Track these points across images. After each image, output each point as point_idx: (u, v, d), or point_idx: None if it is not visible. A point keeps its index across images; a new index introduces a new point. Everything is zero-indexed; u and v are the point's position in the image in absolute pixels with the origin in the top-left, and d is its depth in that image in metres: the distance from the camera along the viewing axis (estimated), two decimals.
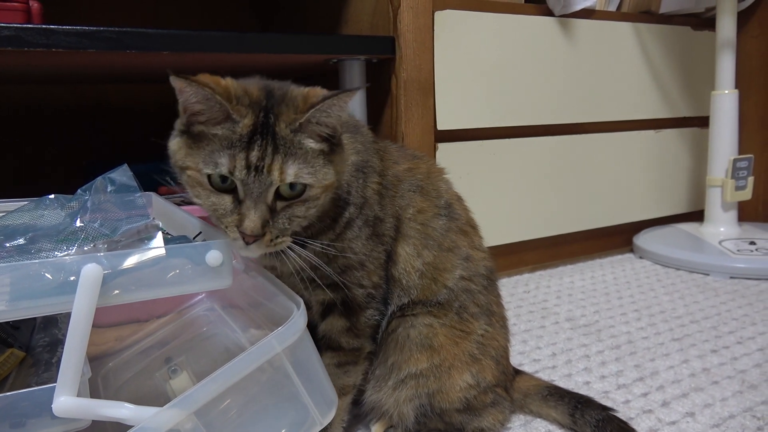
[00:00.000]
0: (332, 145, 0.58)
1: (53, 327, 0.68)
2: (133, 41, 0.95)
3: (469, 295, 0.71)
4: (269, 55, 1.08)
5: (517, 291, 1.34)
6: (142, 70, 1.26)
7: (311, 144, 0.56)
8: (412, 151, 0.78)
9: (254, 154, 0.53)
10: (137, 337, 0.88)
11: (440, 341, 0.68)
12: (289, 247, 0.58)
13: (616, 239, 1.66)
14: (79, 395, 0.47)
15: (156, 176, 0.62)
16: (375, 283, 0.67)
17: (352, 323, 0.67)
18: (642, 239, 1.60)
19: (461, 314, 0.70)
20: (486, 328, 0.71)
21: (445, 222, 0.72)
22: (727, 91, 1.50)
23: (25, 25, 0.88)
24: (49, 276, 0.46)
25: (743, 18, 1.66)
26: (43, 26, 0.89)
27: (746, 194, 1.52)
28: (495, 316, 0.73)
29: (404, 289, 0.69)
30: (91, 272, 0.46)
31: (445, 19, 1.23)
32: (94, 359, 0.82)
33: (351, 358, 0.68)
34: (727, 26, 1.48)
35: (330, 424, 0.66)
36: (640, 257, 1.59)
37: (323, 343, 0.68)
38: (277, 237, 0.56)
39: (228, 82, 0.57)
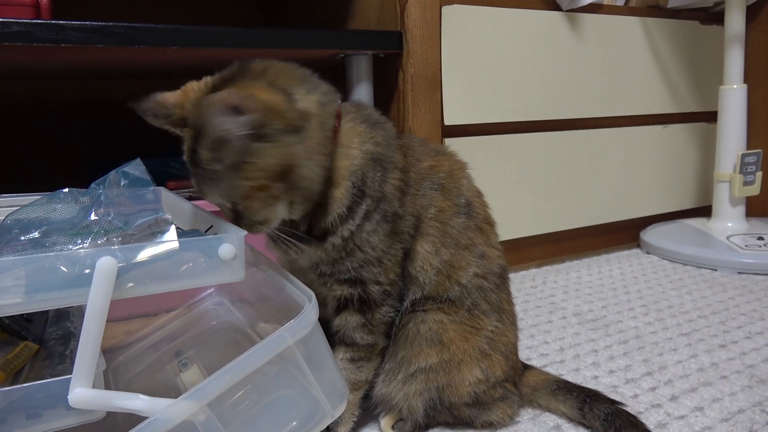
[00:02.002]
0: (261, 135, 0.54)
1: (65, 320, 0.68)
2: (142, 37, 0.95)
3: (482, 292, 0.71)
4: (276, 50, 1.08)
5: (523, 286, 1.34)
6: (149, 66, 1.26)
7: (216, 166, 0.55)
8: (434, 146, 0.76)
9: (193, 182, 0.58)
10: (147, 331, 0.89)
11: (450, 337, 0.69)
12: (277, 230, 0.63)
13: (623, 234, 1.66)
14: (94, 387, 0.48)
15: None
16: (391, 280, 0.67)
17: (366, 319, 0.67)
18: (649, 234, 1.60)
19: (472, 311, 0.70)
20: (496, 325, 0.71)
21: (464, 220, 0.71)
22: (735, 86, 1.49)
23: (34, 21, 0.89)
24: (64, 269, 0.46)
25: (752, 12, 1.65)
26: (53, 21, 0.89)
27: (754, 189, 1.51)
28: (505, 313, 0.73)
29: (419, 286, 0.70)
30: (106, 265, 0.46)
31: (453, 14, 1.22)
32: (104, 353, 0.83)
33: (364, 353, 0.68)
34: (735, 20, 1.47)
35: (341, 417, 0.67)
36: (647, 252, 1.59)
37: (337, 338, 0.69)
38: (251, 227, 0.60)
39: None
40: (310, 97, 0.59)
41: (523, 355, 0.93)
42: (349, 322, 0.67)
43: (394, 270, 0.67)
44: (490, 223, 0.76)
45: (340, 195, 0.63)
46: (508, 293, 0.76)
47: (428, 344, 0.68)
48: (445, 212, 0.70)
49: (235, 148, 0.53)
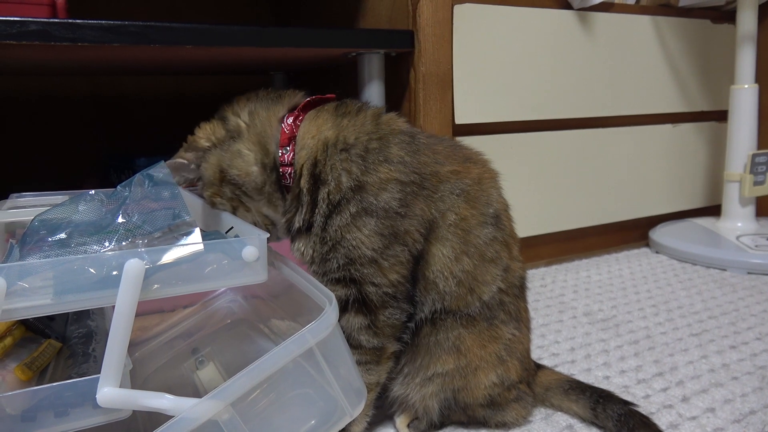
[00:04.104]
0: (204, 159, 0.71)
1: (86, 318, 0.69)
2: (158, 35, 0.96)
3: (502, 306, 0.70)
4: (288, 49, 1.08)
5: (533, 285, 1.34)
6: (160, 63, 1.27)
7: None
8: (467, 152, 0.73)
9: None
10: (162, 328, 0.90)
11: (467, 345, 0.69)
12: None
13: (632, 233, 1.66)
14: (120, 386, 0.49)
15: None
16: (392, 282, 0.65)
17: (370, 321, 0.66)
18: (658, 234, 1.60)
19: (491, 321, 0.70)
20: (514, 332, 0.71)
21: (491, 231, 0.69)
22: (746, 86, 1.48)
23: (52, 20, 0.89)
24: (92, 270, 0.47)
25: (764, 11, 1.64)
26: (70, 21, 0.89)
27: (764, 189, 1.51)
28: (523, 320, 0.74)
29: (439, 294, 0.68)
30: (133, 267, 0.47)
31: (464, 13, 1.22)
32: None
33: (372, 357, 0.67)
34: (747, 19, 1.47)
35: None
36: (657, 252, 1.59)
37: None
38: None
39: None
40: (243, 115, 0.70)
41: (534, 354, 0.94)
42: (352, 324, 0.66)
43: (397, 271, 0.65)
44: (513, 235, 0.74)
45: (303, 183, 0.67)
46: (526, 301, 0.76)
47: (446, 352, 0.69)
48: (468, 221, 0.68)
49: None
